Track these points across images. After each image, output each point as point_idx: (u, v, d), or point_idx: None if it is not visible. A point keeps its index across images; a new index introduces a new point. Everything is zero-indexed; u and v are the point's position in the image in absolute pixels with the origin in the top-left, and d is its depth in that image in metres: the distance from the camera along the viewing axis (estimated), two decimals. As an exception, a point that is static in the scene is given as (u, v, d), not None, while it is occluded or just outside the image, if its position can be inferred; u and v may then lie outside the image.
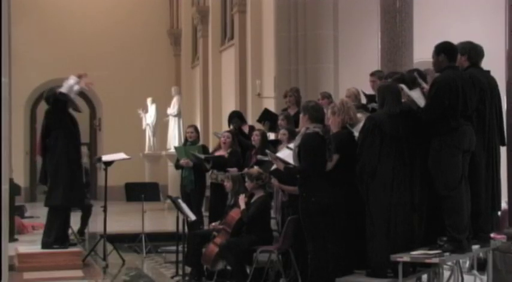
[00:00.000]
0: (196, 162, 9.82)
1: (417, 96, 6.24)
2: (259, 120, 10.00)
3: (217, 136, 10.65)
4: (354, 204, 6.30)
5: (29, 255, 9.18)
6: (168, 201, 14.26)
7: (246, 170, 8.80)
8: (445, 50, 6.31)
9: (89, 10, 23.24)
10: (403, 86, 6.38)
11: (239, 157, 9.41)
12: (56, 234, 9.27)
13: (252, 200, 8.04)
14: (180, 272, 8.68)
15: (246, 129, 10.27)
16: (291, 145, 6.84)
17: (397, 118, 6.20)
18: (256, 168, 8.34)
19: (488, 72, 6.76)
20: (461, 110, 6.15)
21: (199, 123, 19.83)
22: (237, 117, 10.38)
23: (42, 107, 20.65)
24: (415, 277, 6.44)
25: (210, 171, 9.71)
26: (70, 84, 9.47)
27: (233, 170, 8.99)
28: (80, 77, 9.55)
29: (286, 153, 6.85)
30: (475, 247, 6.43)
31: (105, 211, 9.62)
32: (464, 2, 12.25)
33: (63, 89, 9.42)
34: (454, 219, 6.07)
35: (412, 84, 6.45)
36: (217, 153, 9.67)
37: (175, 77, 23.94)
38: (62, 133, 9.35)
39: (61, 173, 9.23)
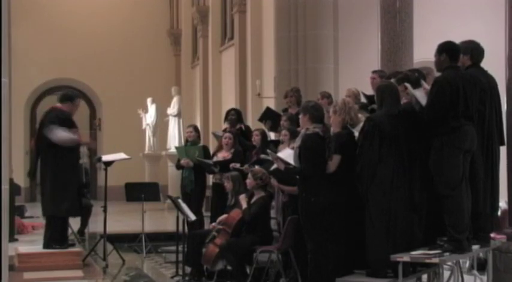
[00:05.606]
0: (199, 164, 9.82)
1: (421, 96, 6.23)
2: (261, 119, 9.97)
3: (216, 135, 10.61)
4: (353, 204, 6.29)
5: (29, 255, 9.16)
6: (168, 201, 14.25)
7: (246, 166, 8.81)
8: (447, 50, 6.30)
9: (88, 10, 23.25)
10: (407, 84, 6.37)
11: (242, 157, 9.39)
12: (56, 235, 9.26)
13: (252, 200, 8.04)
14: (180, 272, 8.68)
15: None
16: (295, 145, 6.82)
17: (397, 118, 6.19)
18: (257, 167, 8.34)
19: (486, 71, 6.76)
20: (462, 110, 6.14)
21: (199, 123, 19.83)
22: (237, 116, 10.34)
23: (42, 107, 20.66)
24: (415, 277, 6.44)
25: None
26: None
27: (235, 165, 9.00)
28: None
29: (287, 153, 6.84)
30: (475, 247, 6.42)
31: (105, 211, 9.60)
32: (464, 2, 12.22)
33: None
34: (454, 219, 6.06)
35: (416, 84, 6.45)
36: (219, 154, 9.64)
37: (175, 77, 23.94)
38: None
39: (67, 182, 9.13)
